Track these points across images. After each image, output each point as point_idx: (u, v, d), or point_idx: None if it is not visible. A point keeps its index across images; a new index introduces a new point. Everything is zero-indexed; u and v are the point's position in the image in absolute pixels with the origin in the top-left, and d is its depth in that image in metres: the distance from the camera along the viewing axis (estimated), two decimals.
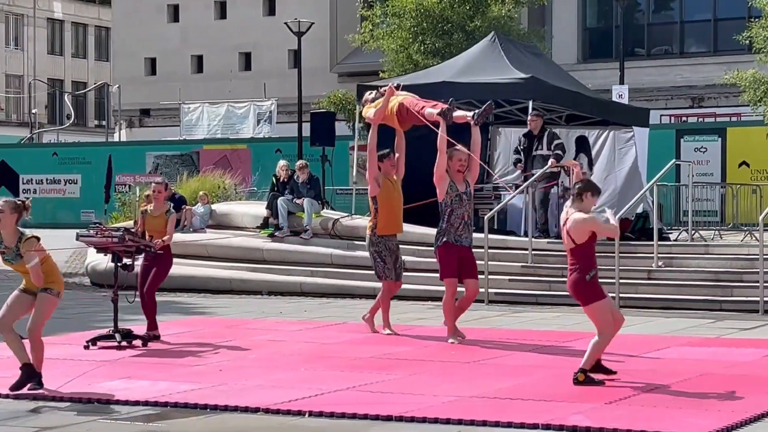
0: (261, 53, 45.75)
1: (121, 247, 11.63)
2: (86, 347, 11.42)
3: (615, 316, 9.19)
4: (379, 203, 12.37)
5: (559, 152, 17.86)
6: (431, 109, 11.63)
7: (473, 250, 11.89)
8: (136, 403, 8.55)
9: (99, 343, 11.49)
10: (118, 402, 8.60)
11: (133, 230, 12.08)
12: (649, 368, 10.07)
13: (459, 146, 11.56)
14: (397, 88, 12.41)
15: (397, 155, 12.31)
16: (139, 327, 12.08)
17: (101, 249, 12.08)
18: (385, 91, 12.31)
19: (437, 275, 16.97)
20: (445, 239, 11.60)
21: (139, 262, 12.17)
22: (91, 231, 11.76)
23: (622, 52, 28.10)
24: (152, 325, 12.19)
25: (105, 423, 7.93)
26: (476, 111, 11.48)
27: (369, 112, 12.38)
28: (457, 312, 11.87)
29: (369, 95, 12.67)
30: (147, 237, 12.16)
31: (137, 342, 11.67)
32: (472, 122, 11.44)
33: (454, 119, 11.58)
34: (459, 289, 11.84)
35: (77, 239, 11.73)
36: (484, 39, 20.38)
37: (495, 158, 21.07)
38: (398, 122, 12.10)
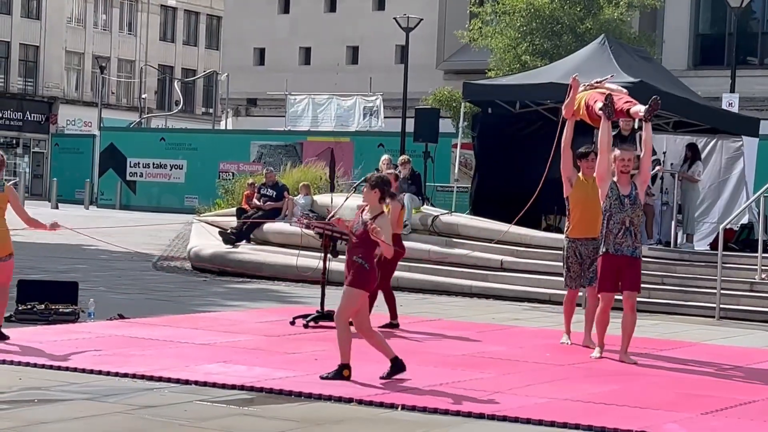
0: (368, 47, 45.96)
1: (329, 233, 12.25)
2: (292, 323, 12.42)
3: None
4: (572, 204, 11.58)
5: (659, 158, 17.61)
6: (600, 103, 10.99)
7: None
8: (233, 386, 8.67)
9: (300, 321, 12.41)
10: (215, 385, 8.73)
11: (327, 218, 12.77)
12: (747, 380, 9.93)
13: (626, 145, 11.09)
14: (600, 82, 11.66)
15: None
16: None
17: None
18: (595, 83, 11.64)
19: (535, 276, 17.04)
20: (604, 248, 10.74)
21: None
22: (293, 218, 13.19)
23: (734, 60, 27.55)
24: (392, 315, 12.71)
25: (201, 405, 8.06)
26: (644, 107, 10.83)
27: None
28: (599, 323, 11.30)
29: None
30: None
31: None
32: (642, 119, 10.82)
33: (631, 115, 11.11)
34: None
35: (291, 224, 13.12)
36: (594, 41, 20.19)
37: None
38: (590, 118, 11.37)
